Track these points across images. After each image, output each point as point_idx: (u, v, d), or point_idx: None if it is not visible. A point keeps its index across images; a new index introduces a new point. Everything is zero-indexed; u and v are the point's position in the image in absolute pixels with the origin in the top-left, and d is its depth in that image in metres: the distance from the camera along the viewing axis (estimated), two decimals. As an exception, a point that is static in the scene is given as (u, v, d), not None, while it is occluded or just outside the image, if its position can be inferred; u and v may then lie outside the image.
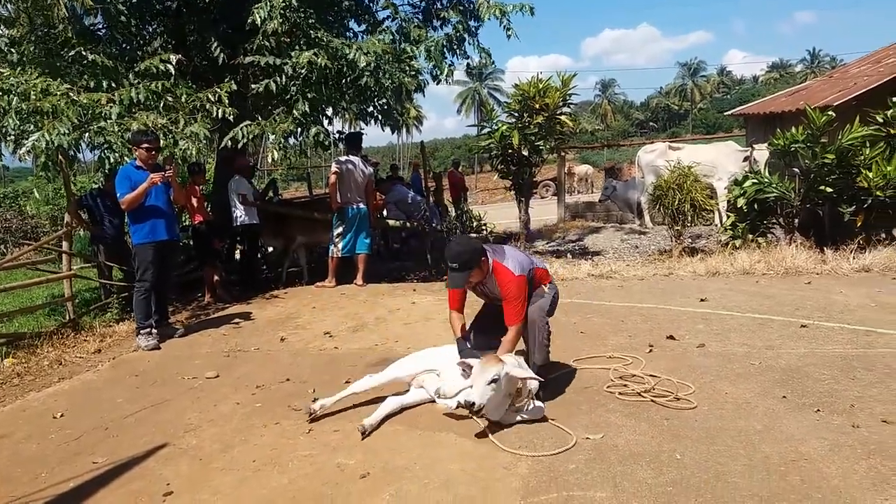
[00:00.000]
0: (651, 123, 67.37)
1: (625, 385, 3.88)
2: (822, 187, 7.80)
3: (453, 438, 3.31)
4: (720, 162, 11.10)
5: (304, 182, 20.06)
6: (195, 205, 7.52)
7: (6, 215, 17.89)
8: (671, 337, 4.87)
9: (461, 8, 8.29)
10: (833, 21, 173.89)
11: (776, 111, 11.96)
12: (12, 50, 7.15)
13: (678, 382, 3.85)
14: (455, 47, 8.08)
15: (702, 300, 5.99)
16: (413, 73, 7.55)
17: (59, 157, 6.15)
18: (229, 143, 6.77)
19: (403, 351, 4.51)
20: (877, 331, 4.75)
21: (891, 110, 7.81)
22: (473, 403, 3.15)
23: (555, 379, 3.93)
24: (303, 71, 6.66)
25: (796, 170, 8.17)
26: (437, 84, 8.24)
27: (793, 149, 8.07)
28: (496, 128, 9.08)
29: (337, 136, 8.61)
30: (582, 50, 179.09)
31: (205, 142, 6.61)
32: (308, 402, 3.72)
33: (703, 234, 10.40)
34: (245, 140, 6.75)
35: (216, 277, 7.68)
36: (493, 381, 3.19)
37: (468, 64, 8.74)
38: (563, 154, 14.55)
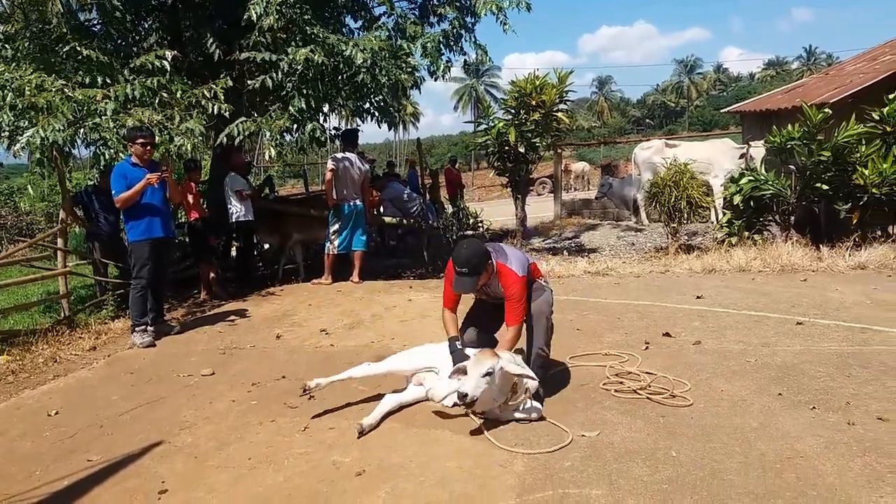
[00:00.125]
0: (647, 120, 67.46)
1: (621, 382, 3.88)
2: (819, 185, 7.82)
3: (449, 436, 3.31)
4: (716, 159, 11.12)
5: (301, 179, 20.02)
6: (191, 201, 7.49)
7: (1, 212, 17.80)
8: (667, 334, 4.88)
9: (458, 4, 8.26)
10: (829, 19, 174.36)
11: (772, 108, 11.98)
12: (7, 46, 7.11)
13: (674, 380, 3.85)
14: (452, 44, 8.06)
15: (698, 297, 6.00)
16: (409, 69, 7.53)
17: (54, 153, 6.13)
18: (225, 139, 6.75)
19: (399, 348, 4.50)
20: (872, 328, 4.76)
21: (887, 108, 7.82)
22: (466, 394, 3.16)
23: (551, 376, 3.92)
24: (299, 67, 6.64)
25: (792, 167, 8.19)
26: (435, 80, 8.24)
27: (789, 146, 8.08)
28: (493, 125, 9.08)
29: (333, 132, 8.58)
30: (579, 47, 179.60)
31: (200, 138, 6.57)
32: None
33: (700, 232, 10.42)
34: (241, 137, 6.73)
35: (212, 274, 7.67)
36: (488, 374, 3.20)
37: (465, 60, 8.73)
38: (559, 151, 14.55)
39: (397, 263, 9.55)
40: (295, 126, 7.11)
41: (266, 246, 9.71)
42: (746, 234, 8.29)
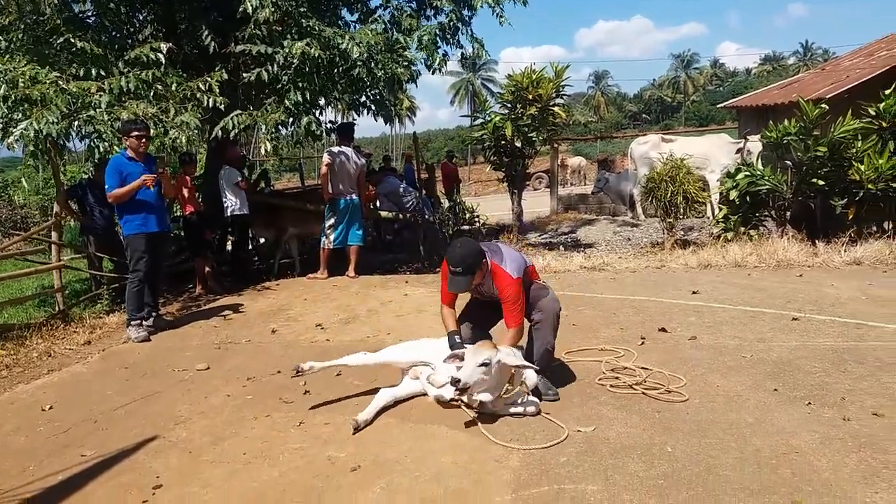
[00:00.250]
0: (644, 115, 67.42)
1: (616, 377, 3.88)
2: (815, 180, 7.82)
3: (445, 431, 3.31)
4: (713, 154, 11.12)
5: (297, 173, 19.95)
6: (186, 195, 7.46)
7: (-5, 205, 17.74)
8: (663, 329, 4.88)
9: (454, -3, 8.23)
10: (826, 14, 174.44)
11: (769, 104, 11.98)
12: (0, 37, 7.05)
13: (670, 375, 3.86)
14: (448, 37, 8.03)
15: (693, 293, 6.01)
16: (406, 63, 7.49)
17: (48, 146, 6.09)
18: (220, 133, 6.71)
19: (395, 343, 4.49)
20: (868, 324, 4.78)
21: (883, 103, 7.82)
22: (459, 380, 3.15)
23: (550, 372, 3.92)
24: (295, 60, 6.60)
25: (788, 162, 8.20)
26: (432, 74, 8.20)
27: (785, 141, 8.08)
28: (489, 119, 9.06)
29: (329, 126, 8.55)
30: (576, 41, 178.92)
31: (195, 131, 6.55)
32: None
33: (696, 227, 10.43)
34: (236, 130, 6.69)
35: (207, 269, 7.64)
36: (484, 364, 3.20)
37: (462, 54, 8.71)
38: (556, 146, 14.55)
39: (393, 258, 9.53)
40: (290, 119, 7.08)
41: (261, 240, 9.69)
42: (742, 229, 8.30)
